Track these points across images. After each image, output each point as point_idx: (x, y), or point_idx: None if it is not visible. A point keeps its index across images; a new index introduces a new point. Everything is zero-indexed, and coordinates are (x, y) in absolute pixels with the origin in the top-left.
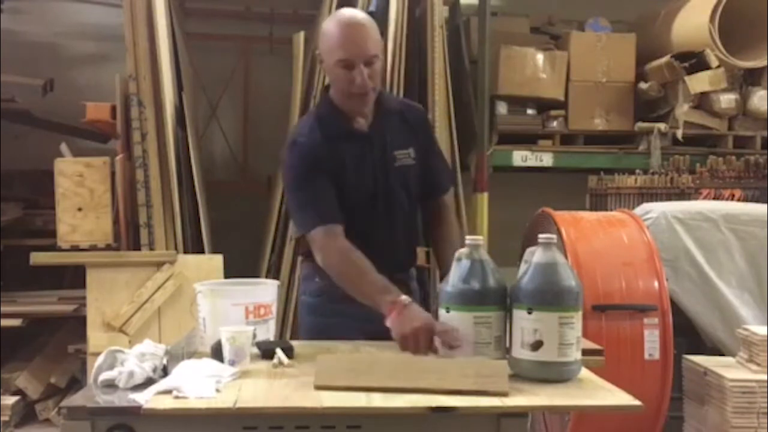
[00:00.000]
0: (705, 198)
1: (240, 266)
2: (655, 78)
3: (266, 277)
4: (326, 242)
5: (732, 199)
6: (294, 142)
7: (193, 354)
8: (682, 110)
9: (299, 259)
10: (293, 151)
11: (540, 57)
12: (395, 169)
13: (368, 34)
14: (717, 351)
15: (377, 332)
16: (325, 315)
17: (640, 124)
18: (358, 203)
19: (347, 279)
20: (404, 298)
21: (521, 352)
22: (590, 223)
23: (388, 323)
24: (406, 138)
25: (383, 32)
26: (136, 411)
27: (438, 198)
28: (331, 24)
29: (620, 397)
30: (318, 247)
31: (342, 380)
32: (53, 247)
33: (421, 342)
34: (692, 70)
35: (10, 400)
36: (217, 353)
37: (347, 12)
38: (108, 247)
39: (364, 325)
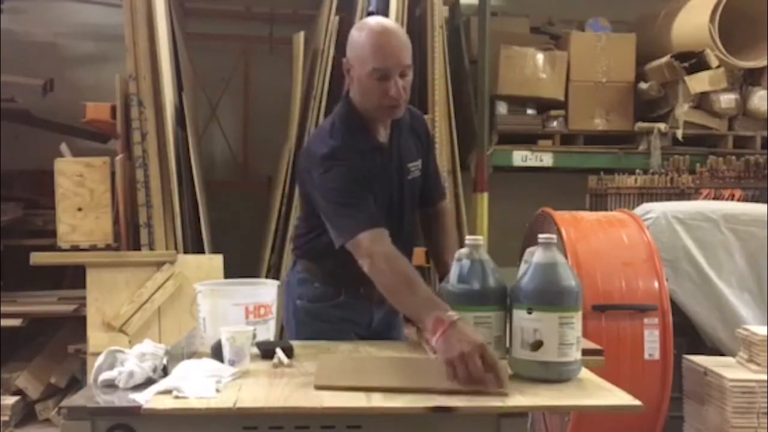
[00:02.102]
0: (705, 198)
1: (240, 266)
2: (655, 78)
3: (266, 277)
4: (374, 247)
5: (732, 199)
6: (331, 154)
7: (193, 354)
8: (682, 110)
9: (295, 261)
10: (331, 161)
11: (540, 57)
12: (408, 182)
13: (403, 44)
14: (717, 351)
15: (378, 338)
16: (327, 320)
17: (640, 124)
18: None
19: (393, 288)
20: (451, 314)
21: (521, 352)
22: (590, 223)
23: (433, 342)
24: (416, 149)
25: None
26: (136, 411)
27: (438, 204)
28: (363, 32)
29: (620, 397)
30: (364, 252)
31: (342, 380)
32: (53, 247)
33: (470, 369)
34: (692, 70)
35: (10, 400)
36: (217, 353)
37: (380, 20)
38: (108, 247)
39: (365, 330)
